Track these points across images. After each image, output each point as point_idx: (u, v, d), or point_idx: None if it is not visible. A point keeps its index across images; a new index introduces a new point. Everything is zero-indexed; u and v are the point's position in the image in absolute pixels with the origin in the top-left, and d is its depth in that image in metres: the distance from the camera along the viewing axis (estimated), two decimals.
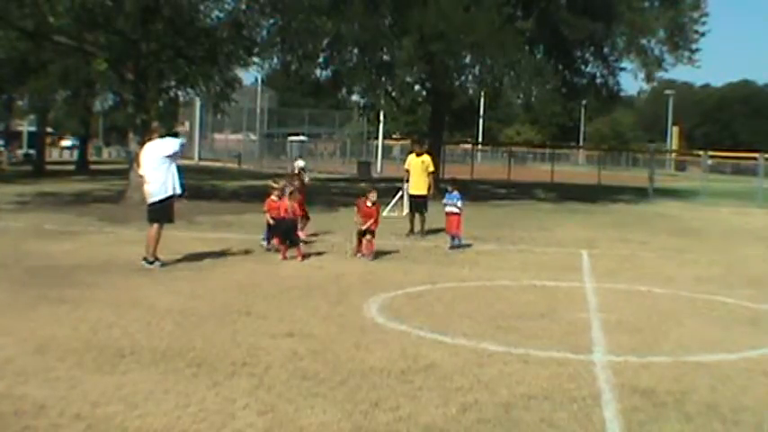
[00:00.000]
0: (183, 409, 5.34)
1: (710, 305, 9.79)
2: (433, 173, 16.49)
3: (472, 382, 6.11)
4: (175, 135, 12.36)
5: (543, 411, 5.52)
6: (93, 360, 6.41)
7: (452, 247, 13.83)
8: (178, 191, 11.62)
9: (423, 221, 15.84)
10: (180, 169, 11.91)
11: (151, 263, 11.14)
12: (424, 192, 16.07)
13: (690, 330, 8.31)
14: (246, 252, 12.84)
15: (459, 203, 14.19)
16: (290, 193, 12.76)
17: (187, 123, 63.99)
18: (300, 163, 14.25)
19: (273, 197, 13.12)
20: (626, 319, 8.69)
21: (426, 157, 16.67)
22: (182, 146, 11.99)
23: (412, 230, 15.80)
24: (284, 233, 12.48)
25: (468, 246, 14.09)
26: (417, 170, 16.40)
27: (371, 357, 6.74)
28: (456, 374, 6.32)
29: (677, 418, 5.50)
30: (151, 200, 11.55)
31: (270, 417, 5.25)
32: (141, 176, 11.89)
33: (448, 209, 14.25)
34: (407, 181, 16.79)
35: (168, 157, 11.51)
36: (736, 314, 9.30)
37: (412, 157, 16.96)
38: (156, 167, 11.51)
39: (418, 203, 16.06)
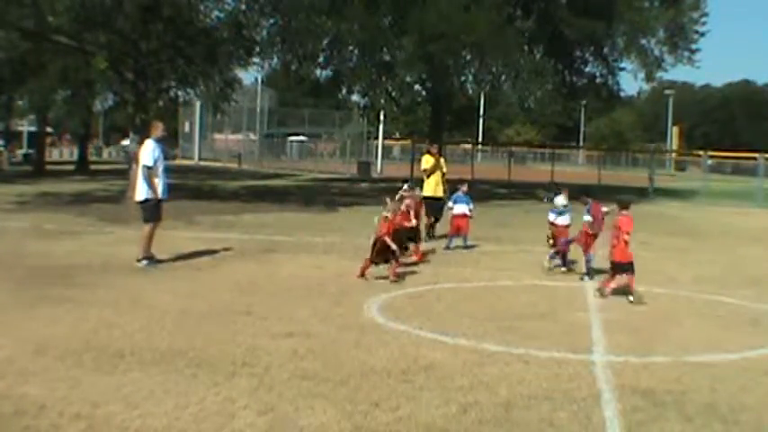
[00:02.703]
0: (182, 409, 5.34)
1: (710, 305, 9.80)
2: (444, 174, 15.90)
3: (472, 382, 6.11)
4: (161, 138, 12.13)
5: (543, 411, 5.52)
6: (93, 360, 6.41)
7: (448, 248, 13.71)
8: (159, 195, 11.61)
9: (437, 222, 15.36)
10: (167, 171, 11.91)
11: (140, 260, 11.19)
12: (440, 194, 15.49)
13: (690, 330, 8.31)
14: (246, 252, 12.83)
15: (471, 205, 14.06)
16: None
17: (187, 123, 63.99)
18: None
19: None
20: (626, 319, 8.69)
21: (441, 159, 16.11)
22: (156, 151, 11.60)
23: (428, 233, 15.00)
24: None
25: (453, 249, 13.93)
26: (435, 171, 15.72)
27: (372, 357, 6.74)
28: (456, 374, 6.32)
29: (677, 418, 5.50)
30: (136, 199, 11.76)
31: (270, 417, 5.25)
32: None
33: (457, 210, 13.95)
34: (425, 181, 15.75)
35: (147, 167, 11.51)
36: (736, 314, 9.31)
37: (428, 157, 16.10)
38: (142, 169, 11.66)
39: (435, 207, 15.34)
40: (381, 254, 10.56)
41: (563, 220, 12.03)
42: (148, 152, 11.57)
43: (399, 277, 10.51)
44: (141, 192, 11.65)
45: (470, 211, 14.06)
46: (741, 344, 7.68)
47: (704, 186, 32.94)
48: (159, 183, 11.63)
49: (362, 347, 7.05)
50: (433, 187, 15.54)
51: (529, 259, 13.23)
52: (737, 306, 9.76)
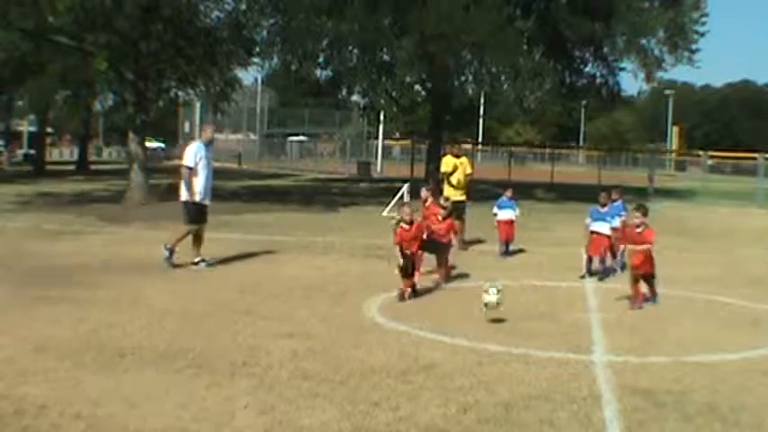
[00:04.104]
0: (182, 409, 5.34)
1: (710, 305, 9.79)
2: (470, 175, 14.88)
3: (472, 382, 6.11)
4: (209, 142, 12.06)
5: (543, 411, 5.52)
6: (93, 360, 6.41)
7: (505, 254, 13.26)
8: (198, 198, 11.53)
9: (462, 229, 14.14)
10: (211, 174, 11.80)
11: (166, 247, 11.25)
12: (463, 197, 14.48)
13: (690, 330, 8.31)
14: (246, 252, 12.83)
15: (517, 211, 13.62)
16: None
17: (187, 123, 63.97)
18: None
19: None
20: (626, 319, 8.69)
21: (464, 159, 15.08)
22: (199, 153, 11.52)
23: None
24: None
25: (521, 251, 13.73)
26: (457, 173, 14.62)
27: (371, 357, 6.74)
28: (456, 374, 6.32)
29: (677, 419, 5.50)
30: (181, 199, 11.74)
31: (270, 417, 5.25)
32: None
33: (503, 216, 13.45)
34: (443, 185, 14.70)
35: (187, 167, 11.51)
36: (736, 314, 9.30)
37: (449, 158, 15.01)
38: (182, 170, 11.66)
39: (459, 210, 13.99)
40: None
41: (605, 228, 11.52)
42: (191, 153, 11.55)
43: (403, 298, 9.34)
44: (182, 193, 11.64)
45: (516, 217, 13.54)
46: (741, 344, 7.67)
47: (704, 186, 32.95)
48: (200, 185, 11.54)
49: (362, 347, 7.05)
50: (452, 191, 14.43)
51: (528, 259, 13.24)
52: (737, 306, 9.76)
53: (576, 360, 6.86)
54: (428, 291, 9.98)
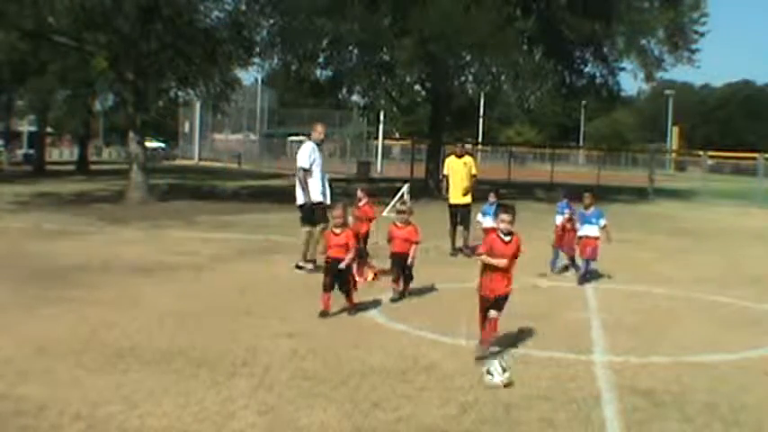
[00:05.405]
0: (182, 409, 5.34)
1: (710, 305, 9.80)
2: (475, 176, 14.14)
3: (472, 382, 6.10)
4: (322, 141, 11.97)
5: (543, 411, 5.52)
6: (93, 360, 6.41)
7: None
8: (315, 198, 11.32)
9: (467, 233, 13.74)
10: (324, 176, 11.66)
11: (300, 267, 11.00)
12: (467, 200, 13.78)
13: (690, 330, 8.31)
14: (246, 252, 12.83)
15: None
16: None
17: (187, 123, 63.99)
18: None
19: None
20: (626, 319, 8.69)
21: (468, 159, 14.27)
22: (314, 154, 11.37)
23: (454, 248, 13.59)
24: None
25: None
26: (460, 174, 13.88)
27: (371, 357, 6.73)
28: (456, 374, 6.32)
29: (677, 418, 5.50)
30: (297, 203, 11.57)
31: (270, 417, 5.25)
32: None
33: (487, 224, 12.46)
34: (447, 189, 14.06)
35: (302, 168, 11.31)
36: (736, 314, 9.30)
37: (452, 159, 14.21)
38: (298, 171, 11.52)
39: (462, 214, 13.73)
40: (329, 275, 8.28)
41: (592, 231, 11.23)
42: (305, 154, 11.37)
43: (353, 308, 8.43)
44: (299, 195, 11.44)
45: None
46: (741, 344, 7.68)
47: (704, 186, 32.94)
48: (317, 186, 11.36)
49: (362, 347, 7.05)
50: (451, 193, 13.91)
51: (527, 260, 13.19)
52: (737, 306, 9.76)
53: (575, 360, 6.86)
54: (427, 291, 9.98)
